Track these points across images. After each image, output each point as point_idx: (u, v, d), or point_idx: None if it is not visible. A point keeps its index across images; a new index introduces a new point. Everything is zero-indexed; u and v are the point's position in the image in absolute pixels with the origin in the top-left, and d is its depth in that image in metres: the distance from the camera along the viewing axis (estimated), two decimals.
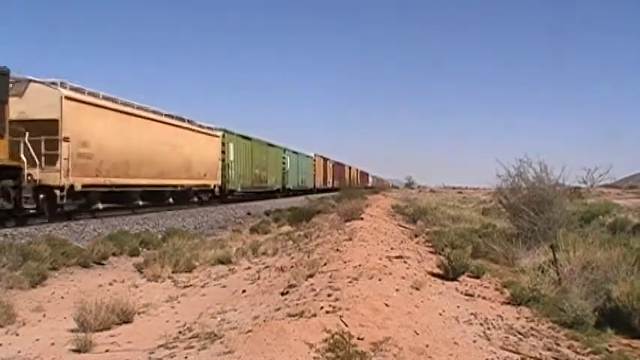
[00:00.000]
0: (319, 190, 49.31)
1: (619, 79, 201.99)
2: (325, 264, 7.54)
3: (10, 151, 13.23)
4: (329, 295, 5.36)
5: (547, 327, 5.83)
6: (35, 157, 14.01)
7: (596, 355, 5.03)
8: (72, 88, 15.76)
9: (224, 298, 6.85)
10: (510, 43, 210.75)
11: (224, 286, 7.91)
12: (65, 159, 14.87)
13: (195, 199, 25.54)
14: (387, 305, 5.11)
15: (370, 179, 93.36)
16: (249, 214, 23.49)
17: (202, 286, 8.04)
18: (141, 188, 19.54)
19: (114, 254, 10.70)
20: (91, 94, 16.73)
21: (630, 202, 27.62)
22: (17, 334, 5.53)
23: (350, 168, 72.18)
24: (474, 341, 4.80)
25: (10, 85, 13.82)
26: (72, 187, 15.19)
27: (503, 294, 7.24)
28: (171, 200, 22.64)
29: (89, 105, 16.41)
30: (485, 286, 7.74)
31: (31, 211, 13.98)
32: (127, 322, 5.88)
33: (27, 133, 13.84)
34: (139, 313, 6.22)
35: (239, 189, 30.66)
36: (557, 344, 5.21)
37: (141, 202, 20.00)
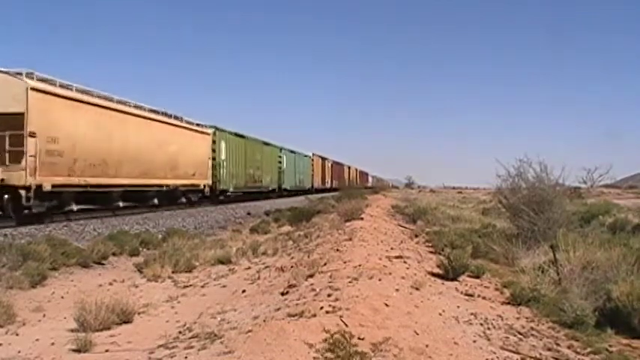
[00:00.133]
0: (317, 191, 48.55)
1: (619, 79, 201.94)
2: (325, 264, 7.54)
3: None
4: (329, 295, 5.36)
5: (547, 327, 5.83)
6: None
7: (596, 355, 5.03)
8: (40, 79, 14.53)
9: (224, 298, 6.85)
10: (510, 43, 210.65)
11: (224, 286, 7.91)
12: (32, 156, 13.57)
13: (184, 200, 24.24)
14: (387, 305, 5.12)
15: (370, 179, 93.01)
16: (249, 214, 23.49)
17: (202, 286, 8.04)
18: (121, 188, 18.26)
19: (114, 254, 10.70)
20: (63, 86, 15.36)
21: (630, 202, 27.60)
22: (17, 334, 5.53)
23: (349, 168, 71.43)
24: (474, 341, 4.80)
25: None
26: (40, 187, 13.87)
27: (503, 294, 7.24)
28: (156, 201, 21.28)
29: (60, 98, 15.02)
30: (485, 286, 7.74)
31: None
32: (127, 322, 5.88)
33: None
34: (139, 313, 6.22)
35: (231, 189, 29.42)
36: (557, 344, 5.21)
37: (121, 204, 18.67)
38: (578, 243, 8.52)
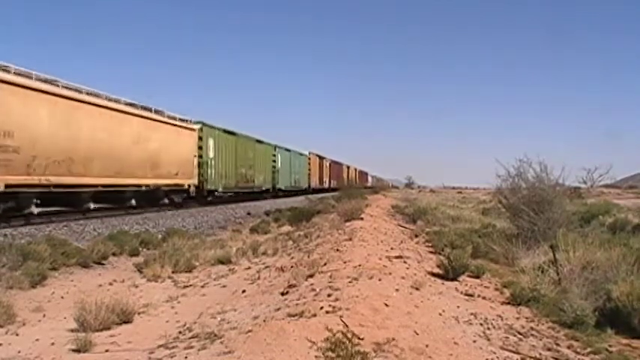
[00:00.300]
0: (315, 191, 47.15)
1: (619, 79, 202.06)
2: (325, 264, 7.54)
3: None
4: (329, 295, 5.36)
5: (547, 327, 5.83)
6: None
7: (596, 355, 5.03)
8: None
9: (224, 298, 6.85)
10: (510, 43, 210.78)
11: (224, 286, 7.90)
12: None
13: (166, 201, 22.42)
14: (386, 305, 5.12)
15: (369, 179, 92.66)
16: (249, 214, 23.50)
17: (202, 286, 8.04)
18: (92, 189, 16.57)
19: (114, 254, 10.69)
20: (20, 73, 13.64)
21: (630, 202, 27.59)
22: (17, 334, 5.53)
23: (348, 167, 70.32)
24: (474, 341, 4.80)
25: None
26: None
27: (503, 294, 7.24)
28: (133, 202, 19.62)
29: (15, 86, 13.27)
30: (485, 286, 7.74)
31: None
32: (127, 322, 5.88)
33: None
34: (138, 313, 6.22)
35: (220, 189, 27.62)
36: (557, 344, 5.21)
37: (92, 206, 16.96)
38: (578, 243, 8.53)
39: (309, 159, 49.15)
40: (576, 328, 5.71)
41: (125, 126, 18.53)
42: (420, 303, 5.72)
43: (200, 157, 24.95)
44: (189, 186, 23.90)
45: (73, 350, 4.84)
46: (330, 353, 3.73)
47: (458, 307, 6.06)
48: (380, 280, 6.24)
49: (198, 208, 23.81)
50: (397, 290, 5.92)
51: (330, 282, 6.09)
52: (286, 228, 16.50)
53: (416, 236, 13.42)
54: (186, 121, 23.88)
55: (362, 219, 14.68)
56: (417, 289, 6.34)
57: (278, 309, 5.31)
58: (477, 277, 8.28)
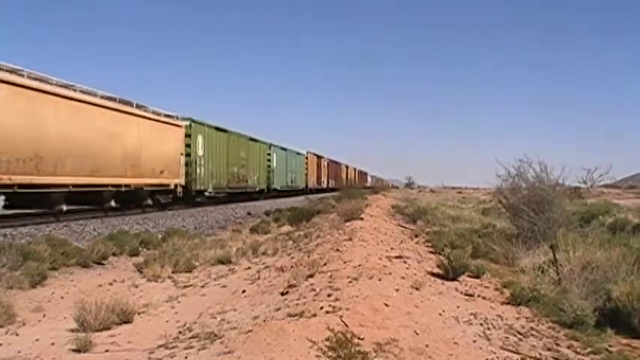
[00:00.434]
0: (312, 191, 45.87)
1: (619, 79, 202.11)
2: (325, 264, 7.54)
3: None
4: (329, 295, 5.36)
5: (547, 327, 5.83)
6: None
7: (596, 355, 5.03)
8: None
9: (224, 298, 6.85)
10: (510, 43, 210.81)
11: (224, 286, 7.90)
12: None
13: (150, 202, 20.98)
14: (386, 305, 5.12)
15: (369, 179, 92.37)
16: (249, 214, 23.51)
17: (202, 286, 8.04)
18: (65, 189, 15.06)
19: (114, 254, 10.69)
20: None
21: (630, 202, 27.60)
22: (17, 334, 5.53)
23: (347, 167, 69.27)
24: (474, 341, 4.80)
25: None
26: None
27: (503, 294, 7.24)
28: (113, 204, 18.21)
29: None
30: (485, 286, 7.74)
31: None
32: (127, 322, 5.88)
33: None
34: (138, 313, 6.22)
35: (210, 189, 26.03)
36: (557, 344, 5.21)
37: (65, 207, 15.54)
38: (578, 243, 8.53)
39: (307, 158, 47.83)
40: (576, 328, 5.71)
41: (101, 121, 16.86)
42: (420, 303, 5.72)
43: (188, 155, 23.55)
44: (175, 186, 22.35)
45: (73, 350, 4.84)
46: (330, 353, 3.73)
47: (458, 307, 6.06)
48: (380, 280, 6.24)
49: (188, 209, 22.71)
50: (397, 290, 5.92)
51: (330, 282, 6.09)
52: (286, 228, 16.50)
53: (416, 236, 13.42)
54: (173, 116, 22.40)
55: (362, 219, 14.68)
56: (417, 289, 6.34)
57: (278, 309, 5.31)
58: (477, 277, 8.28)
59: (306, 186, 46.86)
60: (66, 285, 8.19)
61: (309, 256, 8.80)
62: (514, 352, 4.68)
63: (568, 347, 5.17)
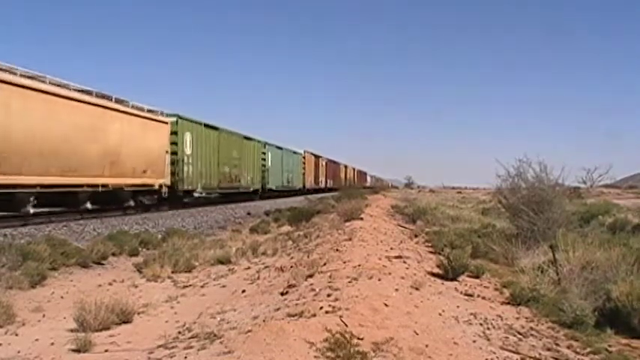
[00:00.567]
0: (309, 191, 44.79)
1: (619, 79, 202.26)
2: (325, 264, 7.54)
3: None
4: (328, 295, 5.36)
5: (547, 327, 5.83)
6: None
7: (596, 355, 5.03)
8: None
9: (224, 298, 6.85)
10: (510, 44, 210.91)
11: (224, 286, 7.90)
12: None
13: (132, 204, 19.66)
14: (386, 305, 5.12)
15: (368, 179, 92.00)
16: (249, 214, 23.51)
17: (202, 286, 8.04)
18: (33, 189, 13.90)
19: (113, 254, 10.69)
20: None
21: (630, 202, 27.60)
22: (17, 334, 5.53)
23: (346, 167, 68.38)
24: (474, 341, 4.80)
25: None
26: None
27: (503, 294, 7.24)
28: (89, 206, 16.84)
29: None
30: (484, 286, 7.74)
31: None
32: (127, 322, 5.88)
33: None
34: (138, 313, 6.22)
35: (199, 190, 24.67)
36: (557, 344, 5.21)
37: (32, 210, 14.28)
38: (578, 243, 8.53)
39: (304, 157, 46.47)
40: (576, 328, 5.71)
41: (75, 116, 15.41)
42: (420, 303, 5.72)
43: (174, 153, 22.12)
44: (160, 186, 20.89)
45: (73, 350, 4.84)
46: (329, 353, 3.73)
47: (457, 307, 6.06)
48: (379, 280, 6.24)
49: (174, 211, 21.40)
50: (397, 290, 5.92)
51: (329, 282, 6.09)
52: (286, 228, 16.50)
53: (415, 236, 13.42)
54: (157, 112, 20.91)
55: (362, 219, 14.68)
56: (416, 289, 6.34)
57: (278, 309, 5.31)
58: (477, 277, 8.28)
59: (304, 186, 45.79)
60: (65, 285, 8.19)
61: (308, 256, 8.80)
62: (514, 352, 4.68)
63: (568, 347, 5.17)
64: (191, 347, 4.40)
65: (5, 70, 13.15)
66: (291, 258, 9.36)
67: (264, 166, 35.71)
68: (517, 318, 6.10)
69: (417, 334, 4.55)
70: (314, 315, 4.59)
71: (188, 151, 23.29)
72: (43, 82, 14.31)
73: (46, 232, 12.15)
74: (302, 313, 4.65)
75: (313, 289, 5.86)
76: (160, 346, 4.70)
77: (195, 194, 24.69)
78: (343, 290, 5.48)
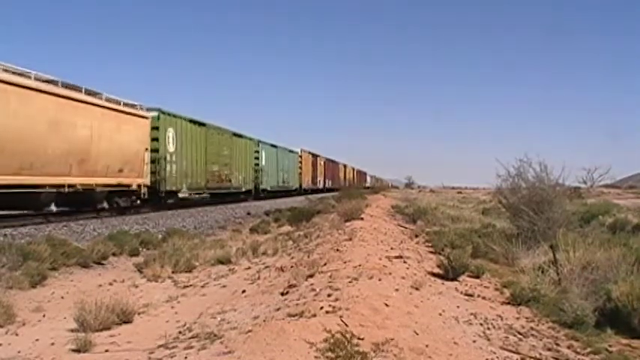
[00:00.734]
0: (307, 191, 43.81)
1: (619, 79, 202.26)
2: (325, 264, 7.54)
3: None
4: (329, 295, 5.36)
5: (547, 327, 5.83)
6: None
7: (596, 355, 5.03)
8: None
9: (224, 298, 6.85)
10: (510, 44, 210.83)
11: (224, 286, 7.90)
12: None
13: (106, 206, 18.07)
14: (386, 305, 5.12)
15: (368, 179, 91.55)
16: (249, 214, 23.50)
17: (202, 286, 8.04)
18: None
19: (114, 254, 10.69)
20: None
21: (630, 202, 27.60)
22: (17, 334, 5.53)
23: (345, 166, 67.65)
24: (474, 341, 4.80)
25: None
26: None
27: (503, 294, 7.24)
28: (53, 208, 15.30)
29: None
30: (485, 286, 7.74)
31: None
32: (127, 322, 5.88)
33: None
34: (138, 313, 6.22)
35: (184, 190, 23.20)
36: (557, 344, 5.21)
37: None
38: (578, 243, 8.53)
39: (301, 157, 44.98)
40: (576, 328, 5.71)
41: (36, 108, 13.78)
42: (420, 303, 5.72)
43: (156, 151, 20.50)
44: (138, 186, 19.26)
45: (73, 350, 4.84)
46: (329, 353, 3.73)
47: (458, 307, 6.06)
48: (380, 280, 6.24)
49: (159, 212, 20.10)
50: (397, 290, 5.92)
51: (330, 282, 6.08)
52: (286, 228, 16.50)
53: (416, 236, 13.42)
54: (136, 106, 19.32)
55: (362, 219, 14.68)
56: (416, 289, 6.34)
57: (278, 309, 5.31)
58: (477, 277, 8.28)
59: (300, 186, 44.39)
60: (66, 285, 8.19)
61: (309, 256, 8.80)
62: (514, 352, 4.68)
63: (568, 347, 5.17)
64: (191, 347, 4.40)
65: None
66: (292, 258, 9.36)
67: (257, 165, 34.15)
68: (517, 318, 6.10)
69: (418, 334, 4.54)
70: (314, 315, 4.59)
71: (171, 148, 21.76)
72: None
73: (46, 232, 12.15)
74: (302, 313, 4.65)
75: (313, 289, 5.85)
76: (160, 346, 4.70)
77: (181, 195, 23.34)
78: (343, 290, 5.48)
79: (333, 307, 4.80)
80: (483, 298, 6.92)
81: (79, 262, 9.49)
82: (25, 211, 14.71)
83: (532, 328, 5.69)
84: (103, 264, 10.05)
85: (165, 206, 21.70)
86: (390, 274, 6.77)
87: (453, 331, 5.00)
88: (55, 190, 14.80)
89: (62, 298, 7.36)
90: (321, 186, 51.51)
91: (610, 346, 5.32)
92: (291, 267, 8.01)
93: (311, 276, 6.75)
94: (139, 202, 19.90)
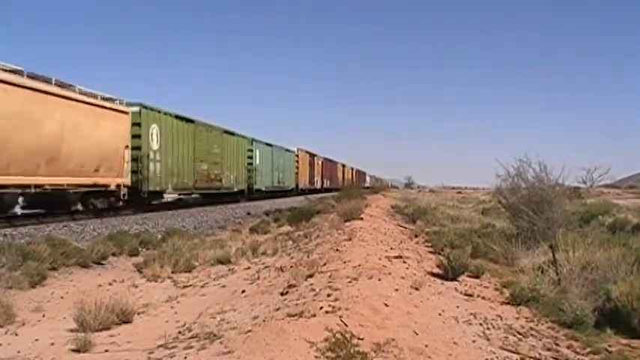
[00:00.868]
0: (304, 192, 42.58)
1: (619, 79, 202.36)
2: (325, 264, 7.54)
3: None
4: (328, 295, 5.36)
5: (546, 327, 5.83)
6: None
7: (596, 355, 5.03)
8: None
9: (224, 298, 6.85)
10: (510, 44, 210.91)
11: (224, 286, 7.90)
12: None
13: (80, 207, 16.75)
14: (386, 305, 5.12)
15: (367, 179, 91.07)
16: (248, 214, 23.50)
17: (202, 286, 8.04)
18: None
19: (113, 254, 10.69)
20: None
21: (630, 202, 27.61)
22: (17, 334, 5.53)
23: (344, 166, 66.60)
24: (474, 341, 4.80)
25: None
26: None
27: (503, 294, 7.24)
28: (17, 210, 14.46)
29: None
30: (484, 286, 7.74)
31: None
32: (127, 322, 5.88)
33: None
34: (138, 313, 6.22)
35: (170, 190, 21.86)
36: (557, 344, 5.21)
37: None
38: (578, 243, 8.53)
39: (297, 156, 43.46)
40: (576, 328, 5.71)
41: None
42: (420, 303, 5.72)
43: (137, 148, 19.08)
44: (118, 187, 17.78)
45: (73, 350, 4.84)
46: (329, 353, 3.73)
47: (457, 307, 6.06)
48: (379, 280, 6.24)
49: (145, 214, 18.83)
50: (397, 290, 5.92)
51: (329, 282, 6.09)
52: (286, 228, 16.50)
53: (415, 236, 13.43)
54: (114, 100, 17.81)
55: (361, 219, 14.68)
56: (416, 289, 6.34)
57: (278, 309, 5.31)
58: (477, 277, 8.28)
59: (297, 186, 42.95)
60: (65, 285, 8.19)
61: (308, 256, 8.80)
62: (514, 352, 4.68)
63: (567, 347, 5.18)
64: (191, 347, 4.40)
65: None
66: (291, 258, 9.36)
67: (250, 164, 32.55)
68: (517, 318, 6.10)
69: (417, 334, 4.55)
70: (314, 315, 4.59)
71: (155, 145, 20.30)
72: None
73: (46, 232, 12.15)
74: (302, 313, 4.65)
75: (313, 289, 5.85)
76: (160, 346, 4.70)
77: (166, 195, 22.15)
78: (343, 290, 5.48)
79: (333, 307, 4.80)
80: (483, 298, 6.92)
81: (79, 262, 9.49)
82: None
83: (532, 328, 5.69)
84: (102, 264, 10.05)
85: (149, 208, 20.47)
86: (390, 274, 6.77)
87: (453, 331, 5.00)
88: (20, 190, 13.70)
89: (62, 298, 7.36)
90: (318, 186, 50.15)
91: (609, 346, 5.32)
92: (291, 267, 8.01)
93: (311, 276, 6.76)
94: (120, 203, 18.57)
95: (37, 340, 5.27)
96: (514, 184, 13.46)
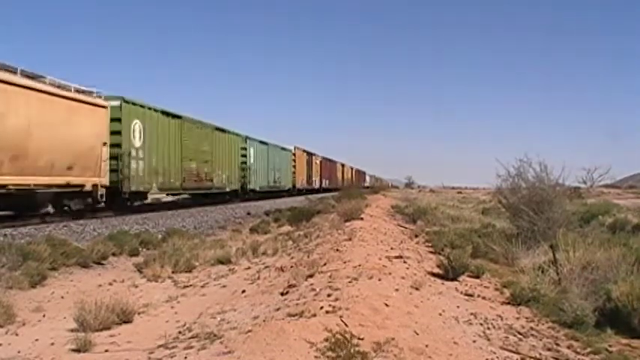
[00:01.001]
0: (301, 192, 41.61)
1: (619, 79, 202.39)
2: (325, 264, 7.54)
3: None
4: (329, 295, 5.36)
5: (547, 327, 5.83)
6: None
7: (596, 355, 5.03)
8: None
9: (224, 298, 6.85)
10: (510, 44, 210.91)
11: (224, 286, 7.90)
12: None
13: (50, 210, 15.10)
14: (386, 305, 5.12)
15: (367, 179, 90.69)
16: (249, 214, 23.50)
17: (202, 286, 8.04)
18: None
19: (114, 254, 10.69)
20: None
21: (630, 202, 27.61)
22: (17, 334, 5.53)
23: (343, 166, 65.89)
24: (474, 341, 4.80)
25: None
26: None
27: (503, 294, 7.24)
28: None
29: None
30: (485, 286, 7.74)
31: None
32: (127, 322, 5.88)
33: None
34: (138, 313, 6.22)
35: (155, 190, 20.47)
36: (557, 344, 5.21)
37: None
38: (578, 243, 8.53)
39: (294, 155, 42.17)
40: (576, 328, 5.71)
41: None
42: (420, 303, 5.72)
43: (117, 145, 17.61)
44: (94, 187, 16.19)
45: (73, 350, 4.84)
46: (330, 353, 3.73)
47: (458, 307, 6.06)
48: (380, 280, 6.24)
49: (123, 217, 17.18)
50: (397, 290, 5.92)
51: (329, 282, 6.08)
52: (286, 228, 16.50)
53: (416, 236, 13.42)
54: (91, 93, 16.36)
55: (362, 219, 14.68)
56: (416, 289, 6.34)
57: (278, 309, 5.31)
58: (477, 277, 8.28)
59: (294, 186, 41.70)
60: (66, 285, 8.19)
61: (308, 256, 8.80)
62: (514, 352, 4.68)
63: (568, 347, 5.17)
64: (191, 347, 4.40)
65: None
66: (292, 258, 9.36)
67: (244, 163, 30.93)
68: (517, 318, 6.10)
69: (418, 334, 4.54)
70: (314, 315, 4.59)
71: (137, 142, 18.88)
72: None
73: (46, 232, 12.15)
74: (302, 313, 4.65)
75: (313, 289, 5.85)
76: (160, 346, 4.70)
77: (151, 195, 20.81)
78: (343, 290, 5.48)
79: (333, 307, 4.80)
80: (483, 298, 6.92)
81: (79, 262, 9.48)
82: None
83: (532, 328, 5.69)
84: (102, 264, 10.05)
85: (130, 209, 18.92)
86: (390, 274, 6.77)
87: (453, 331, 5.00)
88: None
89: (62, 298, 7.36)
90: (316, 186, 49.09)
91: (610, 346, 5.32)
92: (291, 267, 8.01)
93: (311, 276, 6.75)
94: (103, 204, 17.01)
95: (37, 340, 5.27)
96: (514, 184, 13.46)
